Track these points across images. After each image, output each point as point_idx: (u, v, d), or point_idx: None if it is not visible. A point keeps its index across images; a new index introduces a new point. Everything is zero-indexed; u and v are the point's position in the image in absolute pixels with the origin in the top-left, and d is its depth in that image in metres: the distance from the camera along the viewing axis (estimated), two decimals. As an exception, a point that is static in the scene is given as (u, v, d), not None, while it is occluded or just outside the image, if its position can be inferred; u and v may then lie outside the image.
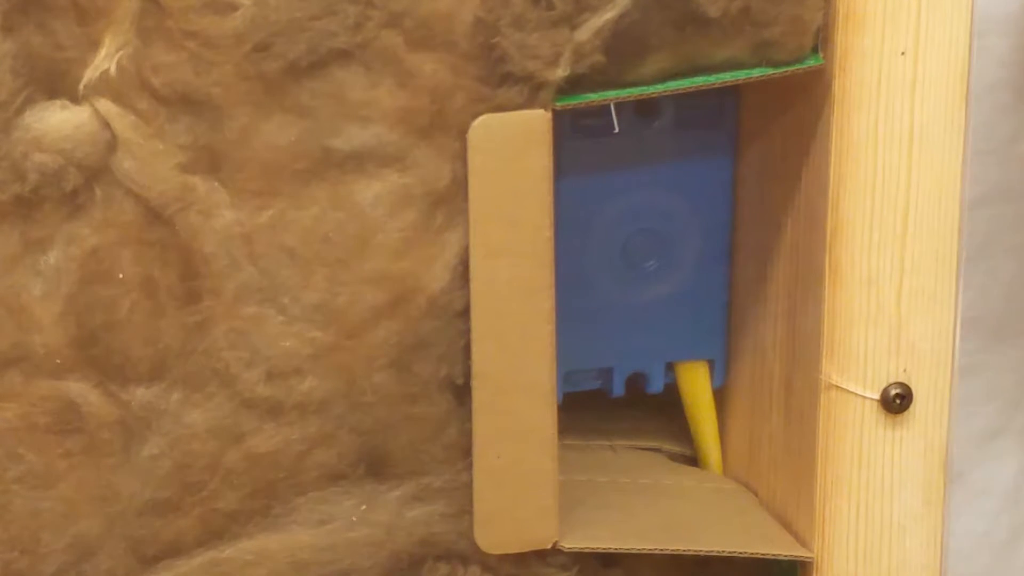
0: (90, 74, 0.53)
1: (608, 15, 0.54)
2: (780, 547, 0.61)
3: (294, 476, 0.57)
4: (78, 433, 0.56)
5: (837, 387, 0.59)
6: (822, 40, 0.57)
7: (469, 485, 0.58)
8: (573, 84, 0.55)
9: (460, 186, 0.56)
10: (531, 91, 0.55)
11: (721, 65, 0.56)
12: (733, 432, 0.67)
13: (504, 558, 0.60)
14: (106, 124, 0.54)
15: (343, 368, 0.56)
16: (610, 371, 0.66)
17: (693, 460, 0.68)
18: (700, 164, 0.64)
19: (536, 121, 0.55)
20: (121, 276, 0.55)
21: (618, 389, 0.66)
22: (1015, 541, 0.80)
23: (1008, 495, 0.79)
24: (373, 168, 0.55)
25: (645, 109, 0.62)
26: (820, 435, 0.59)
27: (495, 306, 0.56)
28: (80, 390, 0.55)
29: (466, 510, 0.59)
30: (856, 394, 0.59)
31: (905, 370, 0.59)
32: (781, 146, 0.61)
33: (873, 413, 0.59)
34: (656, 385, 0.66)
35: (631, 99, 0.56)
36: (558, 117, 0.55)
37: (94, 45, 0.53)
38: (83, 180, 0.54)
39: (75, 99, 0.54)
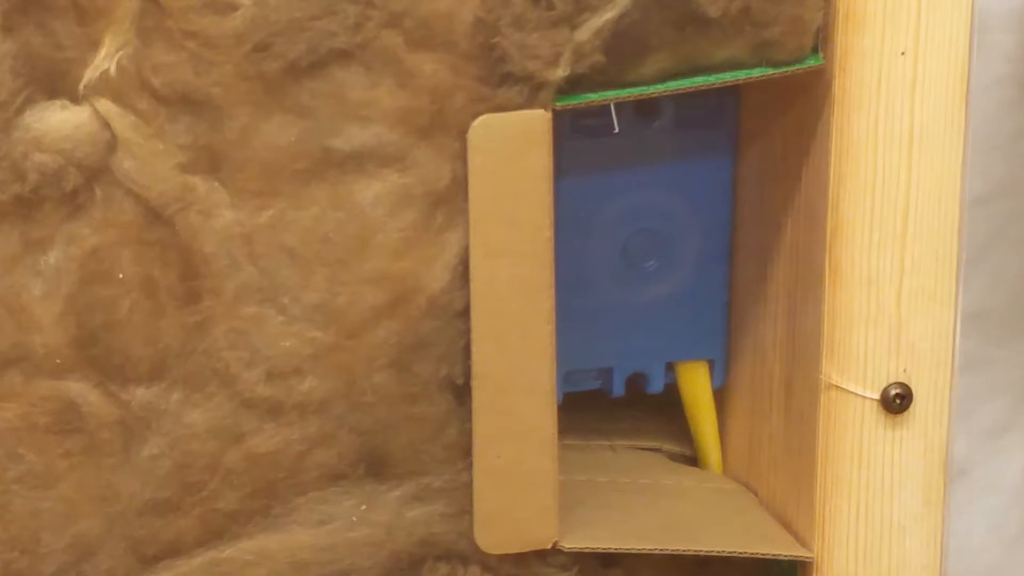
0: (90, 74, 0.53)
1: (608, 15, 0.54)
2: (780, 547, 0.61)
3: (294, 476, 0.57)
4: (78, 433, 0.56)
5: (837, 387, 0.59)
6: (822, 40, 0.57)
7: (469, 485, 0.58)
8: (573, 84, 0.55)
9: (460, 186, 0.56)
10: (531, 91, 0.55)
11: (721, 65, 0.56)
12: (733, 432, 0.67)
13: (504, 558, 0.60)
14: (106, 124, 0.54)
15: (343, 368, 0.56)
16: (610, 371, 0.66)
17: (693, 460, 0.68)
18: (700, 164, 0.64)
19: (536, 121, 0.55)
20: (121, 276, 0.55)
21: (618, 389, 0.66)
22: (1024, 536, 0.80)
23: (1017, 490, 0.79)
24: (373, 168, 0.55)
25: (645, 109, 0.62)
26: (820, 435, 0.59)
27: (495, 306, 0.56)
28: (80, 390, 0.55)
29: (466, 510, 0.59)
30: (856, 394, 0.59)
31: (905, 370, 0.59)
32: (781, 146, 0.61)
33: (873, 413, 0.59)
34: (656, 385, 0.66)
35: (631, 99, 0.56)
36: (558, 117, 0.55)
37: (94, 45, 0.53)
38: (83, 180, 0.54)
39: (75, 99, 0.54)
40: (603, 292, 0.65)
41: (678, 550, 0.60)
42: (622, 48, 0.55)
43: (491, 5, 0.54)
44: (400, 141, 0.55)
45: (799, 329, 0.61)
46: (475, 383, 0.57)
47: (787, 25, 0.56)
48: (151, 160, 0.54)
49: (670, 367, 0.67)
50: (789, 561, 0.61)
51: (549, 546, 0.59)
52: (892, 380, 0.59)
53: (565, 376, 0.65)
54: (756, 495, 0.65)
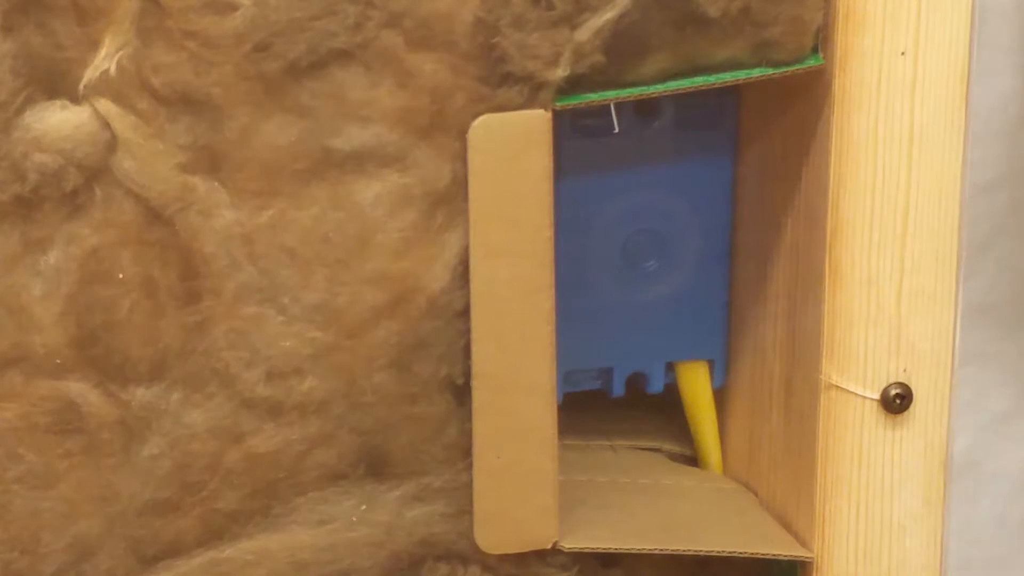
0: (90, 74, 0.53)
1: (608, 15, 0.54)
2: (780, 547, 0.61)
3: (294, 476, 0.57)
4: (78, 433, 0.56)
5: (837, 387, 0.59)
6: (822, 40, 0.57)
7: (469, 485, 0.58)
8: (573, 84, 0.55)
9: (460, 186, 0.56)
10: (531, 91, 0.55)
11: (721, 65, 0.56)
12: (733, 432, 0.67)
13: (504, 558, 0.60)
14: (106, 124, 0.54)
15: (343, 368, 0.56)
16: (610, 371, 0.66)
17: (693, 460, 0.68)
18: (700, 164, 0.64)
19: (536, 121, 0.55)
20: (121, 276, 0.55)
21: (618, 389, 0.66)
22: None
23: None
24: (373, 168, 0.55)
25: (645, 109, 0.62)
26: (820, 435, 0.59)
27: (495, 306, 0.56)
28: (80, 390, 0.55)
29: (466, 510, 0.59)
30: (856, 394, 0.59)
31: (905, 370, 0.59)
32: (781, 146, 0.61)
33: (873, 413, 0.59)
34: (656, 385, 0.66)
35: (631, 99, 0.56)
36: (558, 117, 0.55)
37: (94, 45, 0.53)
38: (83, 180, 0.54)
39: (75, 99, 0.54)
40: (603, 292, 0.65)
41: (678, 550, 0.60)
42: (622, 48, 0.55)
43: (491, 5, 0.54)
44: (400, 141, 0.55)
45: (799, 329, 0.61)
46: (475, 383, 0.57)
47: (787, 25, 0.56)
48: (151, 160, 0.54)
49: (670, 367, 0.67)
50: (789, 561, 0.61)
51: (549, 546, 0.59)
52: (892, 380, 0.59)
53: (565, 376, 0.65)
54: (756, 495, 0.65)
